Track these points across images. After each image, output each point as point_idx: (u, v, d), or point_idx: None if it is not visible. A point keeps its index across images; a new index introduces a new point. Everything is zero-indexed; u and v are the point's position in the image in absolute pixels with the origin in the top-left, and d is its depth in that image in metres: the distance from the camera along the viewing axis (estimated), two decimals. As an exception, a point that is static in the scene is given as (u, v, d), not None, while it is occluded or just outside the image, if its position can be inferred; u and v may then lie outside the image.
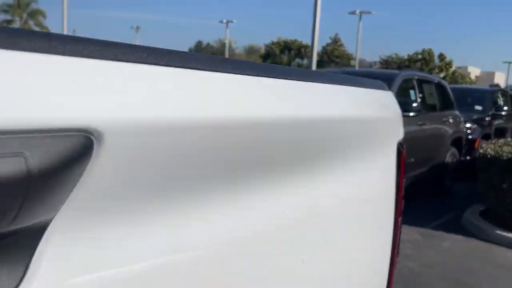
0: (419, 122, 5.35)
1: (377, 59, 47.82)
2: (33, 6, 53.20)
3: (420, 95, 5.93)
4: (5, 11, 52.27)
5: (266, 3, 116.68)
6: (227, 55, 47.76)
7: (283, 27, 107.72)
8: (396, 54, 45.41)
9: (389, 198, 0.96)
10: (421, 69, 38.80)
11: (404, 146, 1.01)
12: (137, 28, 55.51)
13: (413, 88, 5.86)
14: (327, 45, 48.24)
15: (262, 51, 53.81)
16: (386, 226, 0.96)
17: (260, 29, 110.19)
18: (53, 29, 52.46)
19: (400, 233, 0.99)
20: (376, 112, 0.94)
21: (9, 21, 52.32)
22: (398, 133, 1.03)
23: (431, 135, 5.80)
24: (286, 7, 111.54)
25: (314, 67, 14.26)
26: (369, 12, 34.45)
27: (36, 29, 53.15)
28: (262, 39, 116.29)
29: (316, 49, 14.74)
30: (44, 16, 53.58)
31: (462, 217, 5.06)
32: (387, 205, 0.96)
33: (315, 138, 0.72)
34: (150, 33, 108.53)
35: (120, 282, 0.47)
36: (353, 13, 33.70)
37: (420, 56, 44.32)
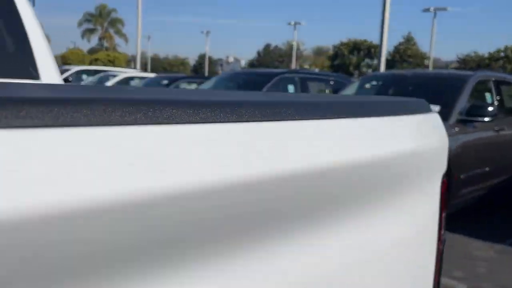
0: (496, 128, 4.92)
1: (454, 58, 45.32)
2: (113, 15, 56.70)
3: (498, 97, 5.46)
4: (88, 21, 56.20)
5: (335, 4, 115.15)
6: (294, 57, 47.69)
7: (353, 28, 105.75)
8: (475, 53, 42.67)
9: (431, 237, 0.85)
10: (504, 68, 36.12)
11: (446, 177, 0.88)
12: (207, 32, 57.24)
13: (489, 90, 5.41)
14: (400, 44, 46.51)
15: (330, 52, 53.08)
16: (427, 265, 0.84)
17: (329, 30, 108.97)
18: (131, 35, 55.60)
19: (441, 270, 0.88)
20: (419, 142, 0.82)
21: (91, 30, 56.24)
22: (444, 163, 0.90)
23: (510, 141, 5.31)
24: (356, 7, 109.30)
25: (383, 68, 13.74)
26: (445, 9, 32.71)
27: (116, 36, 56.72)
28: (330, 40, 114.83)
29: (385, 48, 14.19)
30: (123, 24, 56.96)
31: (546, 233, 4.57)
32: (428, 244, 0.84)
33: (352, 182, 0.67)
34: (219, 37, 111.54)
35: None
36: (427, 10, 32.18)
37: (502, 54, 41.26)
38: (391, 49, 46.10)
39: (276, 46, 61.02)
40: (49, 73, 2.49)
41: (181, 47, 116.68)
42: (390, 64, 44.42)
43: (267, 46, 60.99)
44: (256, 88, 7.64)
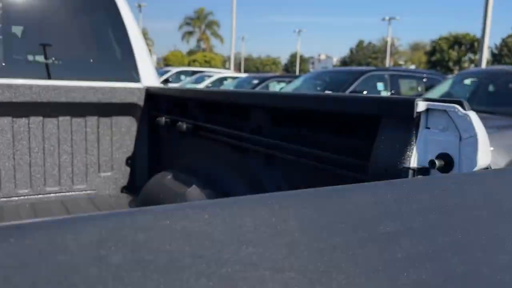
0: None
1: None
2: (210, 17, 59.32)
3: None
4: (188, 24, 59.48)
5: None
6: (388, 53, 45.94)
7: (454, 21, 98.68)
8: None
9: None
10: None
11: None
12: (299, 31, 57.43)
13: None
14: (508, 36, 42.56)
15: (428, 47, 50.24)
16: None
17: (427, 24, 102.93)
18: (226, 37, 57.70)
19: None
20: None
21: (190, 32, 59.46)
22: None
23: None
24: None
25: (484, 62, 12.80)
26: None
27: (212, 38, 59.32)
28: (429, 35, 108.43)
29: (487, 42, 13.19)
30: (218, 26, 59.36)
31: None
32: None
33: None
34: (311, 35, 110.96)
35: None
36: (542, -3, 29.02)
37: None
38: (498, 42, 42.38)
39: (369, 43, 59.26)
40: (148, 76, 2.85)
41: (274, 47, 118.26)
42: (497, 58, 40.81)
43: (360, 43, 59.47)
44: (343, 86, 7.64)
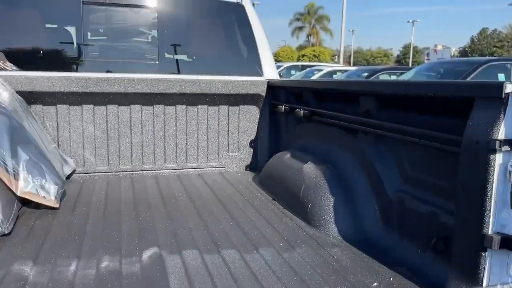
0: None
1: None
2: (320, 12, 59.19)
3: None
4: (298, 19, 60.10)
5: None
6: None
7: None
8: None
9: None
10: None
11: None
12: (413, 22, 54.60)
13: None
14: None
15: None
16: None
17: None
18: (336, 30, 57.21)
19: None
20: None
21: (300, 28, 60.04)
22: None
23: None
24: None
25: None
26: None
27: (322, 32, 59.19)
28: None
29: None
30: (328, 20, 58.97)
31: None
32: None
33: None
34: (427, 25, 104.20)
35: None
36: None
37: None
38: None
39: (494, 30, 54.05)
40: (269, 70, 3.29)
41: (385, 39, 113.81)
42: None
43: (483, 31, 54.50)
44: (459, 78, 7.37)
